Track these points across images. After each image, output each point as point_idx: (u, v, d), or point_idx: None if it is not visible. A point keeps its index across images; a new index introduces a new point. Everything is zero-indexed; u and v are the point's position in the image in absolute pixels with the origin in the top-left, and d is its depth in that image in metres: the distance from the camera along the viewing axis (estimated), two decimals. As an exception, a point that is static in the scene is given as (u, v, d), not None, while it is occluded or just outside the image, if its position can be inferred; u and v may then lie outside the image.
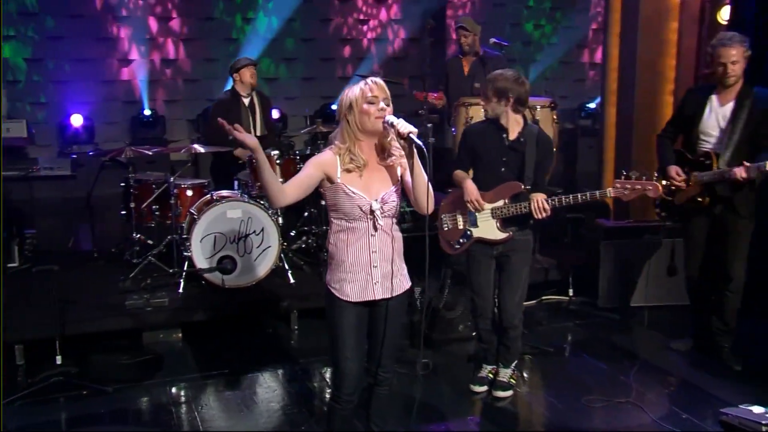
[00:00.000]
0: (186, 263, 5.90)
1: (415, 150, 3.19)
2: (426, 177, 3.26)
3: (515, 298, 4.70)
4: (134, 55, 9.81)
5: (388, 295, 3.46)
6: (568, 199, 4.51)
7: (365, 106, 3.29)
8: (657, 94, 7.21)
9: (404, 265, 3.59)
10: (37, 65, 9.43)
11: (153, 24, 9.89)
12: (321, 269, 6.21)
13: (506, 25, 11.62)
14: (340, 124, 3.39)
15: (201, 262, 5.79)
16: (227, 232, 5.84)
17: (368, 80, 3.35)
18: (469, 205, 4.61)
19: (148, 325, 5.56)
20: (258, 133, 6.80)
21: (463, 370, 5.20)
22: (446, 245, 4.84)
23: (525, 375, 5.18)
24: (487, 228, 4.62)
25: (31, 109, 9.38)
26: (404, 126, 3.20)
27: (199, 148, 6.13)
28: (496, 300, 4.86)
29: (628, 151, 7.33)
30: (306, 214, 6.79)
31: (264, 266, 5.96)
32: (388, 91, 3.35)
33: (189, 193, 6.26)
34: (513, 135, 4.57)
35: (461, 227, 4.73)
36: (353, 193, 3.32)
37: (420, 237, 5.19)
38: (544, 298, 6.60)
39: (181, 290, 5.81)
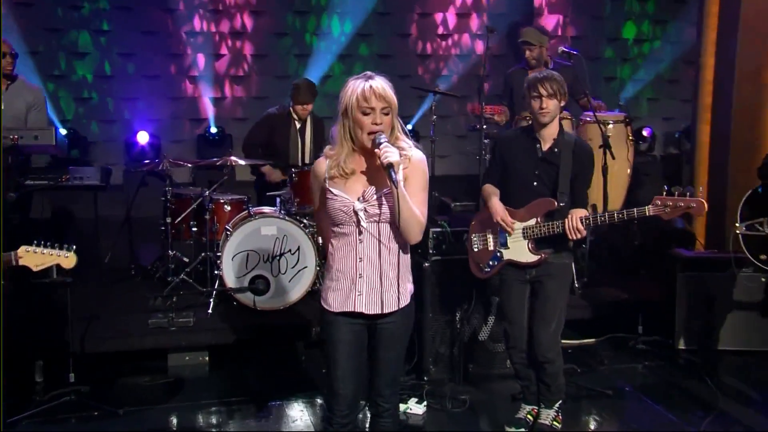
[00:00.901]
0: (217, 282, 5.78)
1: (393, 183, 3.03)
2: (407, 209, 3.12)
3: (549, 329, 4.35)
4: (203, 71, 9.93)
5: (375, 311, 3.27)
6: (603, 218, 4.20)
7: (359, 116, 3.14)
8: (759, 110, 6.63)
9: (406, 284, 3.36)
10: (106, 82, 9.68)
11: (223, 40, 9.98)
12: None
13: (603, 39, 11.12)
14: (338, 124, 3.26)
15: (232, 281, 5.68)
16: (260, 250, 5.70)
17: (368, 83, 3.15)
18: (499, 225, 4.33)
19: (173, 346, 5.47)
20: (307, 160, 6.66)
21: (503, 410, 4.88)
22: (475, 268, 4.56)
23: (573, 419, 4.76)
24: (518, 249, 4.34)
25: (100, 127, 9.65)
26: (387, 154, 3.04)
27: (239, 161, 6.05)
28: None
29: (723, 175, 6.80)
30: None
31: (299, 288, 5.79)
32: (390, 98, 3.15)
33: (227, 208, 6.15)
34: (547, 145, 4.28)
35: (491, 248, 4.46)
36: (335, 195, 3.22)
37: (455, 260, 5.03)
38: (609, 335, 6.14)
39: (210, 311, 5.69)
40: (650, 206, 4.07)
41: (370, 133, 3.14)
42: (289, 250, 5.75)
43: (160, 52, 9.77)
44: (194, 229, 6.17)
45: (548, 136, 4.29)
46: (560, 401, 4.52)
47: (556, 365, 4.41)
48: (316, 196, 3.38)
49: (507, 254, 4.37)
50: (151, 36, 9.67)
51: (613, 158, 5.88)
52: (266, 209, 6.04)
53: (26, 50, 9.11)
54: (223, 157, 6.12)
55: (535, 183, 4.29)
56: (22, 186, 5.23)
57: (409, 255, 3.40)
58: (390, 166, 3.02)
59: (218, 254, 5.82)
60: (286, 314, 5.78)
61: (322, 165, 3.29)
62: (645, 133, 9.93)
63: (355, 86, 3.16)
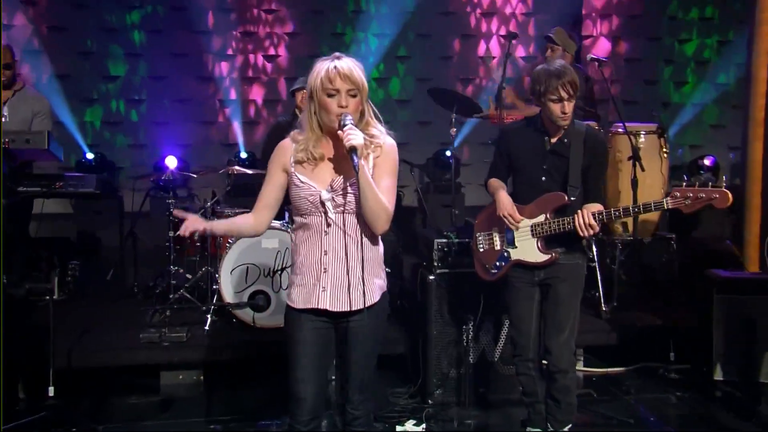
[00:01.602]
0: (215, 297, 5.64)
1: (354, 167, 2.92)
2: (372, 196, 2.99)
3: (561, 337, 4.07)
4: (234, 95, 9.95)
5: (341, 308, 3.12)
6: (617, 212, 3.92)
7: (324, 98, 3.03)
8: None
9: (376, 279, 3.20)
10: (137, 105, 9.78)
11: (256, 62, 10.01)
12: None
13: (660, 60, 10.76)
14: (305, 106, 3.17)
15: (230, 296, 5.52)
16: (261, 263, 5.54)
17: (333, 63, 3.03)
18: (504, 220, 4.08)
19: (165, 363, 5.31)
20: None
21: (509, 436, 4.57)
22: (481, 270, 4.32)
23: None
24: (527, 248, 4.08)
25: (129, 151, 9.72)
26: (350, 136, 2.93)
27: (244, 171, 5.94)
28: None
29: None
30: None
31: (301, 305, 5.55)
32: (357, 79, 3.03)
33: (230, 221, 6.01)
34: (555, 137, 4.05)
35: (498, 248, 4.22)
36: (301, 183, 3.11)
37: (462, 273, 4.79)
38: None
39: (207, 327, 5.53)
40: (668, 198, 3.82)
41: (337, 116, 3.02)
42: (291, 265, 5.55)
43: (191, 75, 9.84)
44: (198, 244, 6.06)
45: (557, 129, 4.05)
46: (570, 425, 4.19)
47: (569, 378, 4.12)
48: (269, 185, 3.21)
49: (515, 254, 4.13)
50: (181, 59, 9.75)
51: (642, 170, 5.63)
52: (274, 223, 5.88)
53: (56, 74, 9.29)
54: (227, 167, 6.02)
55: (543, 178, 4.06)
56: (14, 192, 5.19)
57: (380, 248, 3.27)
58: (353, 150, 2.91)
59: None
60: (286, 332, 5.56)
61: (289, 146, 3.18)
62: (707, 162, 9.20)
63: (320, 68, 3.05)
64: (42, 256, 6.26)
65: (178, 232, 3.03)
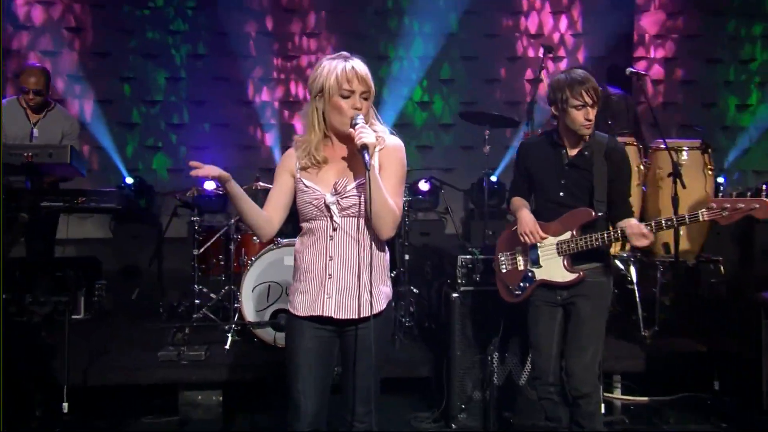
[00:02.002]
0: (236, 316, 5.59)
1: (365, 165, 2.88)
2: (380, 197, 2.94)
3: (584, 359, 3.88)
4: (274, 119, 10.00)
5: (346, 316, 3.05)
6: (649, 227, 3.73)
7: (337, 99, 3.00)
8: None
9: (382, 287, 3.14)
10: (177, 129, 9.90)
11: (297, 88, 10.05)
12: (397, 335, 5.64)
13: (719, 84, 10.45)
14: (308, 107, 3.12)
15: (251, 314, 5.46)
16: (283, 281, 5.46)
17: (350, 64, 3.01)
18: (524, 237, 3.94)
19: (183, 382, 5.25)
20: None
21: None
22: (505, 292, 4.18)
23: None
24: (553, 267, 3.93)
25: (168, 176, 9.83)
26: (362, 134, 2.90)
27: (268, 186, 5.92)
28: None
29: None
30: (400, 272, 6.20)
31: (322, 325, 5.47)
32: (371, 82, 3.03)
33: (256, 239, 5.99)
34: (574, 150, 3.91)
35: (522, 268, 4.07)
36: (306, 187, 3.08)
37: (488, 291, 4.64)
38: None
39: (227, 346, 5.47)
40: (704, 210, 3.64)
41: (350, 118, 3.00)
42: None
43: (232, 100, 9.93)
44: (223, 263, 6.04)
45: (576, 142, 3.92)
46: (598, 453, 4.00)
47: (593, 403, 3.93)
48: (276, 187, 3.18)
49: (540, 274, 3.98)
50: (222, 83, 9.86)
51: (684, 187, 5.42)
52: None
53: (98, 99, 9.48)
54: (252, 182, 6.01)
55: (561, 194, 3.92)
56: (37, 207, 5.24)
57: (386, 254, 3.21)
58: (364, 148, 2.87)
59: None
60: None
61: (293, 155, 3.16)
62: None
63: (334, 67, 3.02)
64: (68, 276, 6.31)
65: (190, 173, 2.94)
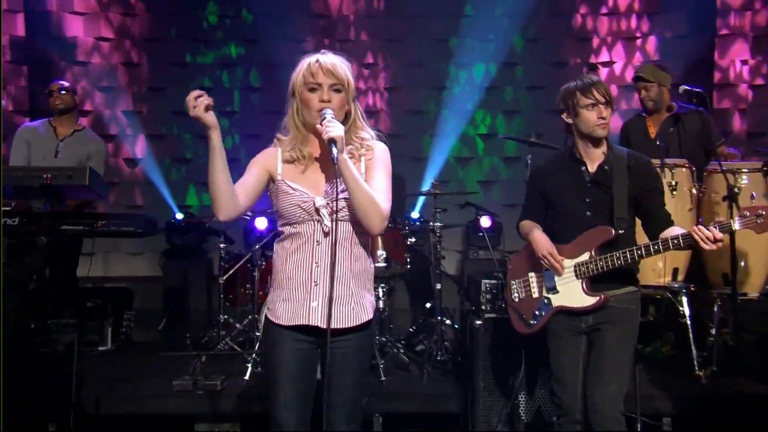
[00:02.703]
0: (257, 345, 5.51)
1: (332, 159, 2.84)
2: (358, 188, 2.90)
3: (608, 390, 3.66)
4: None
5: (336, 325, 2.97)
6: (676, 242, 3.55)
7: (306, 93, 3.01)
8: None
9: (367, 294, 3.10)
10: (230, 163, 9.95)
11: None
12: (426, 369, 5.46)
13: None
14: (288, 109, 3.14)
15: (272, 344, 5.37)
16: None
17: (316, 57, 3.03)
18: (545, 262, 3.76)
19: (198, 413, 5.17)
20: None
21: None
22: (518, 322, 4.03)
23: None
24: (571, 292, 3.75)
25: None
26: (329, 127, 2.86)
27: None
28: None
29: None
30: (431, 306, 6.05)
31: (348, 356, 5.35)
32: (341, 74, 3.01)
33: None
34: (594, 165, 3.76)
35: (536, 295, 3.90)
36: (293, 189, 3.04)
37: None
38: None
39: (246, 377, 5.38)
40: (737, 218, 3.48)
41: (318, 111, 2.95)
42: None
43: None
44: (250, 292, 6.00)
45: (595, 155, 3.77)
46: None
47: None
48: (247, 175, 3.12)
49: (557, 300, 3.80)
50: (276, 116, 9.88)
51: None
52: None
53: (148, 133, 9.65)
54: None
55: (588, 213, 3.75)
56: (56, 231, 5.31)
57: (371, 262, 3.16)
58: (332, 141, 2.81)
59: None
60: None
61: (272, 151, 3.15)
62: None
63: (303, 63, 3.04)
64: (97, 305, 6.39)
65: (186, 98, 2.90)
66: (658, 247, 3.56)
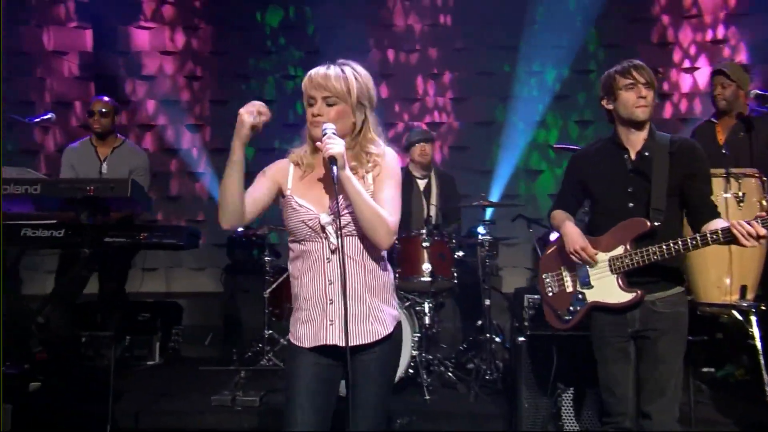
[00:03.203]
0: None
1: (332, 178, 2.83)
2: (361, 203, 2.87)
3: (663, 400, 3.55)
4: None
5: (353, 342, 2.92)
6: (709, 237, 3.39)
7: (307, 108, 3.04)
8: None
9: (387, 308, 3.05)
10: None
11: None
12: (473, 388, 5.35)
13: None
14: None
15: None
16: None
17: (311, 71, 3.05)
18: (575, 256, 3.65)
19: (236, 429, 5.18)
20: (433, 222, 6.33)
21: None
22: (552, 317, 3.90)
23: None
24: (606, 287, 3.63)
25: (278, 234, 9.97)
26: (329, 145, 2.85)
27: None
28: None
29: None
30: (484, 321, 5.92)
31: (392, 373, 5.28)
32: (334, 85, 2.99)
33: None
34: (636, 150, 3.64)
35: (570, 290, 3.78)
36: (299, 206, 3.01)
37: (560, 336, 4.28)
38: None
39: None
40: None
41: (313, 125, 3.00)
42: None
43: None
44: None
45: (637, 142, 3.64)
46: None
47: None
48: (254, 185, 3.10)
49: (591, 295, 3.68)
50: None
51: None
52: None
53: (210, 148, 9.78)
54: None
55: (630, 204, 3.61)
56: (99, 243, 5.40)
57: (390, 273, 3.11)
58: (332, 160, 2.82)
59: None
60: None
61: (284, 165, 3.16)
62: None
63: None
64: (146, 320, 6.50)
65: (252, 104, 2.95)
66: (696, 241, 3.39)
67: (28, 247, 5.38)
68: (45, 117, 5.71)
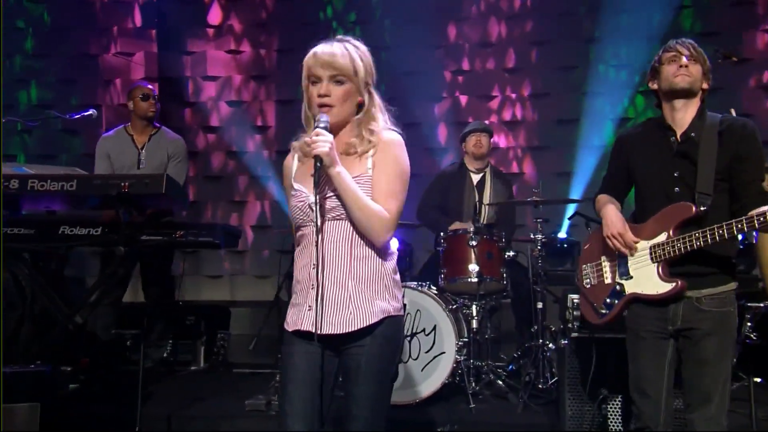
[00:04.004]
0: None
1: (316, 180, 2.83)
2: (354, 202, 2.84)
3: (708, 408, 3.37)
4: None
5: (326, 331, 2.88)
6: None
7: (309, 87, 2.98)
8: None
9: (377, 299, 2.95)
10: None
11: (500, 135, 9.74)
12: (524, 398, 5.20)
13: None
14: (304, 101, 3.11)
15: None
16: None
17: (316, 48, 2.98)
18: (612, 242, 3.52)
19: (271, 435, 5.17)
20: (485, 221, 6.21)
21: None
22: (589, 310, 3.76)
23: None
24: (645, 277, 3.48)
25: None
26: (316, 142, 2.80)
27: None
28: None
29: None
30: (541, 326, 5.73)
31: (433, 380, 5.19)
32: (341, 64, 2.93)
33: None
34: (682, 131, 3.50)
35: (609, 280, 3.64)
36: (295, 191, 3.02)
37: (606, 339, 4.11)
38: None
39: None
40: None
41: (320, 106, 2.91)
42: (423, 330, 5.24)
43: (417, 146, 9.84)
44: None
45: (683, 121, 3.48)
46: None
47: None
48: (287, 192, 3.13)
49: (630, 286, 3.54)
50: (411, 128, 9.81)
51: None
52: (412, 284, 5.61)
53: (280, 150, 9.84)
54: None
55: (676, 189, 3.46)
56: (135, 241, 5.47)
57: (386, 263, 3.00)
58: (317, 159, 2.78)
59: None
60: (414, 411, 5.17)
61: (289, 161, 3.12)
62: None
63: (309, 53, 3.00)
64: (190, 323, 6.56)
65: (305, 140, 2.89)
66: (742, 224, 3.17)
67: (66, 244, 5.47)
68: (86, 113, 5.80)
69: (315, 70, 2.90)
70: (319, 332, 2.82)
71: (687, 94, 3.46)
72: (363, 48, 3.01)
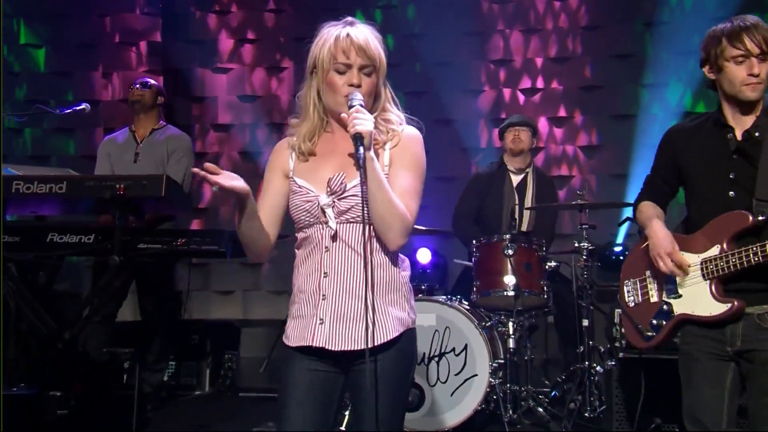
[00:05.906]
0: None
1: (357, 159, 2.76)
2: (383, 196, 2.80)
3: None
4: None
5: (341, 347, 2.87)
6: None
7: (332, 75, 2.94)
8: None
9: (393, 310, 2.95)
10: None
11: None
12: (567, 427, 5.17)
13: None
14: (304, 86, 3.09)
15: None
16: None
17: (346, 30, 2.94)
18: (658, 263, 3.45)
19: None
20: (524, 227, 6.17)
21: None
22: (633, 333, 3.68)
23: None
24: (696, 296, 3.39)
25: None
26: (357, 120, 2.78)
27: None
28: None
29: None
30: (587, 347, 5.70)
31: (464, 406, 5.20)
32: (375, 53, 2.94)
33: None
34: (742, 129, 3.40)
35: (655, 299, 3.56)
36: (299, 188, 2.97)
37: (657, 360, 4.07)
38: None
39: (343, 428, 5.32)
40: None
41: (346, 96, 2.89)
42: (453, 350, 5.23)
43: (453, 146, 9.82)
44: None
45: (746, 119, 3.39)
46: None
47: None
48: (266, 180, 3.10)
49: (679, 306, 3.45)
50: (444, 126, 9.82)
51: None
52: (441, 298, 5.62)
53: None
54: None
55: (731, 193, 3.36)
56: (131, 250, 5.50)
57: (402, 271, 3.01)
58: (359, 137, 2.75)
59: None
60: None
61: (284, 150, 3.08)
62: None
63: (329, 35, 2.95)
64: (195, 343, 6.59)
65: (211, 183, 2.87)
66: None
67: (55, 253, 5.52)
68: (78, 108, 5.86)
69: (349, 55, 2.88)
70: (333, 348, 2.81)
71: (757, 102, 3.37)
72: (378, 34, 3.00)
